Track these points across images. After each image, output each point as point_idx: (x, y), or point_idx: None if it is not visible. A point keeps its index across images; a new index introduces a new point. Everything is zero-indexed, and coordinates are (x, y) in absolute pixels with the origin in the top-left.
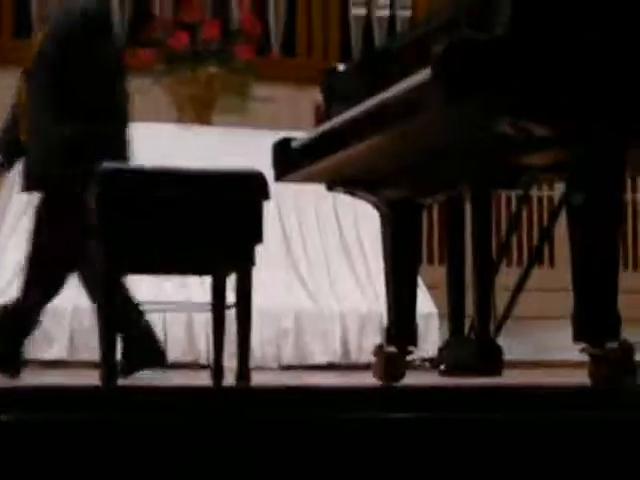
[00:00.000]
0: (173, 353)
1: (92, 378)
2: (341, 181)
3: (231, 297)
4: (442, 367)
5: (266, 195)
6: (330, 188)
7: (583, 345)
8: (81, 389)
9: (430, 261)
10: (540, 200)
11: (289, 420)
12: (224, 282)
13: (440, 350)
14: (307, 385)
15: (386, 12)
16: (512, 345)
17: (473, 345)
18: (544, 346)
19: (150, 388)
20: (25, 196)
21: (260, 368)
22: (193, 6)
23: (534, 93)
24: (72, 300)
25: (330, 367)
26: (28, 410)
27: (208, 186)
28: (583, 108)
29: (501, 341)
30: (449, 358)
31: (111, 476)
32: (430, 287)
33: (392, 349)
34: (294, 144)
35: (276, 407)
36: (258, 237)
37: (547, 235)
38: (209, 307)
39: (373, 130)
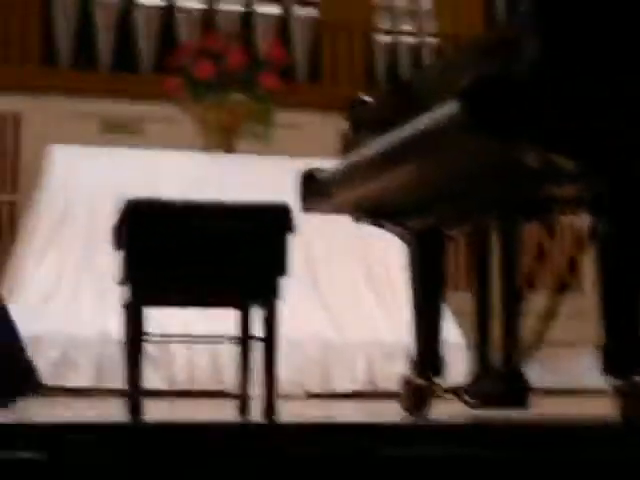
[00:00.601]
0: (199, 382)
1: (118, 406)
2: (367, 212)
3: (257, 326)
4: (469, 399)
5: (291, 228)
6: (356, 219)
7: (611, 378)
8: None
9: (456, 288)
10: (567, 227)
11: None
12: (249, 315)
13: (467, 381)
14: (340, 422)
15: (412, 39)
16: (541, 373)
17: (499, 376)
18: (574, 373)
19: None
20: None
21: (286, 397)
22: (218, 34)
23: (561, 127)
24: (100, 327)
25: (356, 396)
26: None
27: (234, 219)
28: (611, 143)
29: (530, 369)
30: (475, 389)
31: None
32: (456, 314)
33: (418, 380)
34: (320, 175)
35: (305, 444)
36: (283, 270)
37: (574, 263)
38: (235, 340)
39: (399, 162)
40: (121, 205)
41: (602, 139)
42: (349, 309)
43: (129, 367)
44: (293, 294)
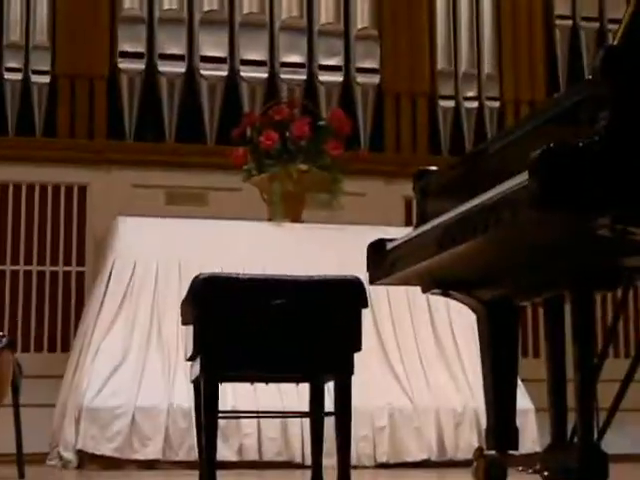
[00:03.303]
0: (268, 453)
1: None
2: (435, 283)
3: (327, 396)
4: (545, 473)
5: (364, 303)
6: (425, 290)
7: None
8: None
9: (524, 354)
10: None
11: None
12: (322, 390)
13: (542, 450)
14: None
15: (474, 104)
16: (613, 439)
17: (576, 450)
18: None
19: None
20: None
21: (356, 467)
22: (282, 103)
23: (634, 198)
24: (167, 399)
25: (426, 464)
26: None
27: (305, 294)
28: None
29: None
30: (550, 460)
31: None
32: (525, 380)
33: (492, 452)
34: (389, 246)
35: None
36: (357, 345)
37: None
38: (307, 415)
39: (468, 235)
40: (191, 281)
41: None
42: (418, 377)
43: (203, 444)
44: (363, 366)
